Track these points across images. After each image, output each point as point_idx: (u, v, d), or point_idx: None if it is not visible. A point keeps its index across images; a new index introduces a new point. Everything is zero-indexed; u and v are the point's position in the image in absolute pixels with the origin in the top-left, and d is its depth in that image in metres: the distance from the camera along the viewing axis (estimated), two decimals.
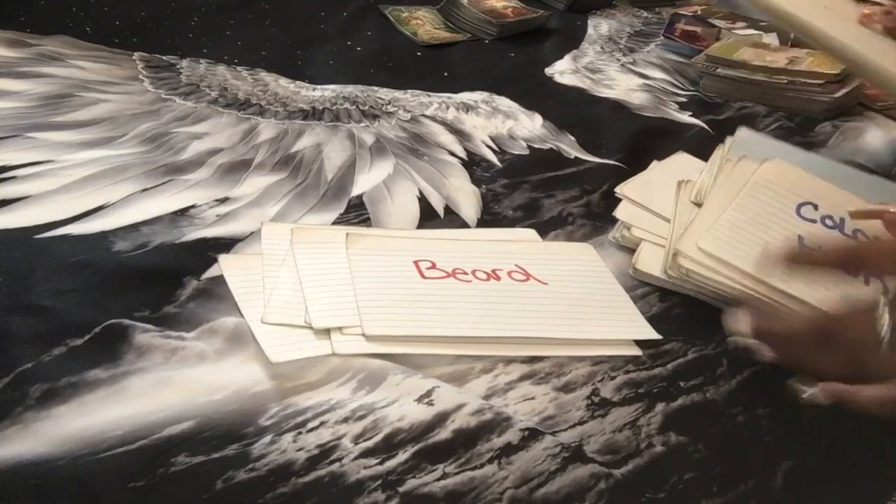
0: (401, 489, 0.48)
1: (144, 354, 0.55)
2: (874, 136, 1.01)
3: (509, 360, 0.59)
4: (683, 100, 1.09)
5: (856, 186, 0.75)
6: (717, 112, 1.05)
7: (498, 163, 0.88)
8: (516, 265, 0.68)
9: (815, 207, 0.71)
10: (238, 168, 0.80)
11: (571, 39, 1.30)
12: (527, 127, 0.97)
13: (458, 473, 0.49)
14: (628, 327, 0.64)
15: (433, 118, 0.97)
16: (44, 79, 0.92)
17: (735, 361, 0.61)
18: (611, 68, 1.19)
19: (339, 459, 0.49)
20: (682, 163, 0.86)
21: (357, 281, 0.62)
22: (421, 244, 0.70)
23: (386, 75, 1.08)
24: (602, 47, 1.28)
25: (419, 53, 1.20)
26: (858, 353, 0.53)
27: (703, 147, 0.95)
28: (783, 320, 0.60)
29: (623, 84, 1.13)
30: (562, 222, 0.77)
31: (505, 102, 1.03)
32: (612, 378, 0.59)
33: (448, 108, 1.00)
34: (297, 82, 1.02)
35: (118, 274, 0.62)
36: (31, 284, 0.60)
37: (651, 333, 0.63)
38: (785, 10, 0.75)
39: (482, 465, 0.50)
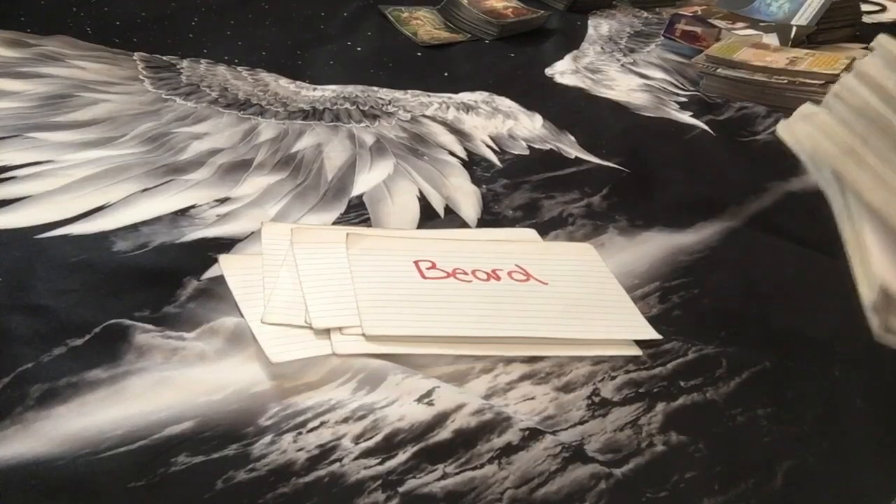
0: (401, 489, 0.48)
1: (144, 354, 0.55)
2: None
3: (509, 360, 0.59)
4: (684, 100, 1.09)
5: None
6: (718, 112, 1.05)
7: (498, 163, 0.88)
8: (516, 265, 0.68)
9: None
10: (238, 168, 0.80)
11: (571, 40, 1.30)
12: (527, 127, 0.97)
13: (458, 473, 0.49)
14: (628, 327, 0.64)
15: (433, 118, 0.96)
16: (44, 79, 0.92)
17: (735, 362, 0.61)
18: (611, 68, 1.19)
19: (340, 459, 0.49)
20: None
21: (357, 281, 0.62)
22: (421, 244, 0.70)
23: (386, 75, 1.08)
24: (602, 47, 1.28)
25: (419, 53, 1.20)
26: None
27: (704, 148, 0.96)
28: None
29: (623, 84, 1.13)
30: (562, 222, 0.77)
31: (505, 102, 1.03)
32: (613, 378, 0.58)
33: (448, 108, 1.00)
34: (298, 82, 1.02)
35: (118, 274, 0.62)
36: (31, 284, 0.60)
37: (651, 333, 0.63)
38: None
39: (482, 465, 0.50)
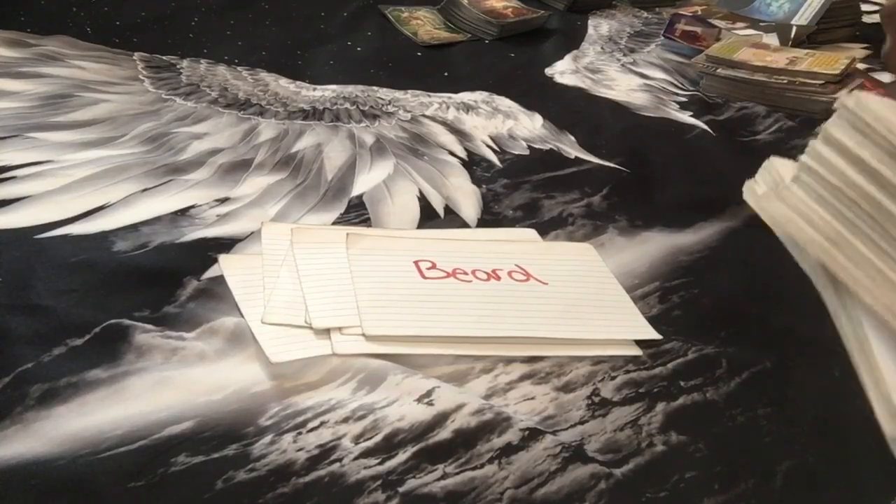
0: (401, 489, 0.48)
1: (144, 354, 0.55)
2: None
3: (509, 360, 0.58)
4: (684, 100, 1.09)
5: None
6: (718, 112, 1.05)
7: (498, 163, 0.88)
8: (516, 265, 0.68)
9: None
10: (238, 168, 0.80)
11: (571, 39, 1.30)
12: (527, 127, 0.97)
13: (458, 473, 0.49)
14: (628, 327, 0.64)
15: (433, 118, 0.96)
16: (44, 79, 0.92)
17: (735, 362, 0.61)
18: (611, 68, 1.19)
19: (340, 459, 0.49)
20: None
21: (357, 281, 0.62)
22: (421, 244, 0.70)
23: (386, 75, 1.08)
24: (602, 47, 1.28)
25: (419, 53, 1.20)
26: None
27: (704, 148, 0.96)
28: None
29: (623, 84, 1.13)
30: (562, 222, 0.77)
31: (505, 102, 1.03)
32: (613, 378, 0.58)
33: (448, 108, 1.00)
34: (298, 82, 1.02)
35: (118, 274, 0.62)
36: (31, 284, 0.60)
37: (651, 333, 0.63)
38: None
39: (482, 465, 0.50)
